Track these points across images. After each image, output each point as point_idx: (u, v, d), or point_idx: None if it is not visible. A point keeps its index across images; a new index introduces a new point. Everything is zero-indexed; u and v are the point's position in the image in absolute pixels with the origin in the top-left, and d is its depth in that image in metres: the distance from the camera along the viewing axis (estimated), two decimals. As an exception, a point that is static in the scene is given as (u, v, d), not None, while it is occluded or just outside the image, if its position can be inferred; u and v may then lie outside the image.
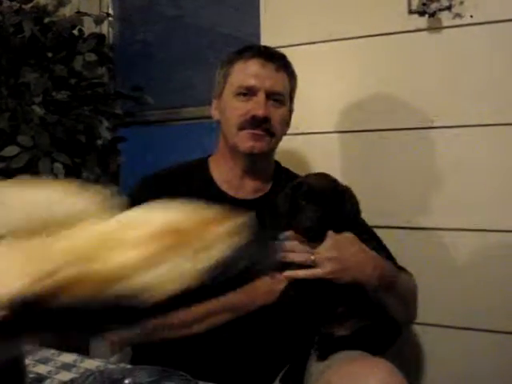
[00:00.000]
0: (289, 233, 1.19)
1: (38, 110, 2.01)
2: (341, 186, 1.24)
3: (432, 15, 1.56)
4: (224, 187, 1.37)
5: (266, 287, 1.20)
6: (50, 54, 2.10)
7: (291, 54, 1.43)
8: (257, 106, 1.29)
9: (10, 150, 1.96)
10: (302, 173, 1.38)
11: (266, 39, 1.82)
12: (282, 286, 1.18)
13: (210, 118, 1.44)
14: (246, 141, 1.31)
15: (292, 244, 1.18)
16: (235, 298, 1.20)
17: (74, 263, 0.26)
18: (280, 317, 1.23)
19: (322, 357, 1.22)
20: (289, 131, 1.44)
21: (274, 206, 1.25)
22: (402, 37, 1.64)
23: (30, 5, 2.13)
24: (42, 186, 0.35)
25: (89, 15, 2.22)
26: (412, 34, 1.63)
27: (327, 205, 1.18)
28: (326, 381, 1.13)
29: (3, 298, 0.24)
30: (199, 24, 2.31)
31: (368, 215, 1.45)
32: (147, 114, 2.38)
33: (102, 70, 2.19)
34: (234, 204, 1.49)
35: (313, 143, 1.80)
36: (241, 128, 1.31)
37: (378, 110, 1.70)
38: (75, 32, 2.18)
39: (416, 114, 1.64)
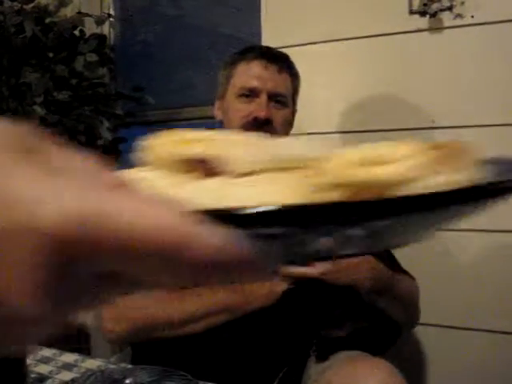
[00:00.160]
0: None
1: (39, 110, 2.01)
2: None
3: (433, 15, 1.56)
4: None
5: (264, 289, 1.19)
6: (51, 55, 2.10)
7: (292, 55, 1.43)
8: (259, 108, 1.30)
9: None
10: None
11: (267, 39, 1.83)
12: (280, 288, 1.18)
13: (211, 118, 1.44)
14: None
15: None
16: (232, 298, 1.20)
17: (347, 175, 0.26)
18: (279, 319, 1.23)
19: (321, 358, 1.23)
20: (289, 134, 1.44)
21: None
22: (403, 37, 1.64)
23: (31, 5, 2.14)
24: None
25: (90, 16, 2.22)
26: (413, 34, 1.63)
27: None
28: (326, 381, 1.13)
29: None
30: (200, 24, 2.31)
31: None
32: (148, 115, 2.38)
33: (102, 71, 2.20)
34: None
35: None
36: (243, 129, 1.31)
37: (378, 110, 1.71)
38: (76, 32, 2.18)
39: (417, 114, 1.64)
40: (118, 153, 2.26)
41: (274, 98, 1.32)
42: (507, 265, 1.54)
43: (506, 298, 1.54)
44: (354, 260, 1.18)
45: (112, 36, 2.48)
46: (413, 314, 1.37)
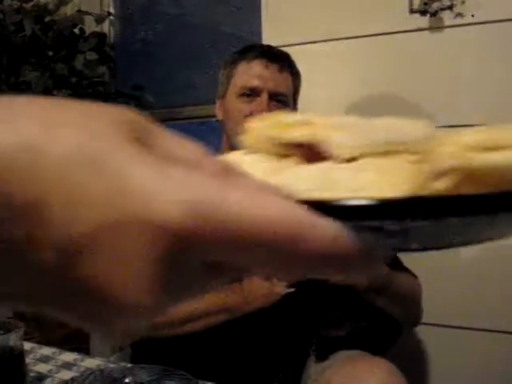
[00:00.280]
0: None
1: (39, 109, 2.01)
2: None
3: (433, 14, 1.56)
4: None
5: (264, 289, 1.19)
6: (50, 53, 2.10)
7: (292, 54, 1.43)
8: (260, 107, 1.30)
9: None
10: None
11: (268, 38, 1.82)
12: (279, 288, 1.18)
13: (211, 116, 1.44)
14: None
15: None
16: (231, 298, 1.20)
17: (462, 158, 0.24)
18: (278, 318, 1.23)
19: (321, 357, 1.23)
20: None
21: None
22: (404, 36, 1.64)
23: (30, 3, 2.13)
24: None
25: (90, 14, 2.22)
26: (413, 33, 1.62)
27: None
28: (325, 380, 1.13)
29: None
30: (200, 23, 2.31)
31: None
32: (148, 113, 2.37)
33: (102, 69, 2.19)
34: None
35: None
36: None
37: (379, 109, 1.70)
38: (76, 31, 2.18)
39: (417, 113, 1.64)
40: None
41: (275, 97, 1.32)
42: (508, 264, 1.53)
43: (507, 297, 1.54)
44: None
45: (112, 34, 2.47)
46: (414, 313, 1.36)
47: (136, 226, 0.18)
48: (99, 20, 2.23)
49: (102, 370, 1.07)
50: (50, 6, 2.20)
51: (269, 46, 1.50)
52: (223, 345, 1.23)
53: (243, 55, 1.36)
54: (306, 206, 0.20)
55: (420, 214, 0.21)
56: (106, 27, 2.42)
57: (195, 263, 0.20)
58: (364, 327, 1.25)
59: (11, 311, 2.24)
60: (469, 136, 0.26)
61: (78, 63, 2.10)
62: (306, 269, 0.20)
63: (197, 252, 0.19)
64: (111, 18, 2.43)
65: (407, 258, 1.40)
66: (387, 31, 1.66)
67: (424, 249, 0.29)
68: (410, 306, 1.33)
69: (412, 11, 1.59)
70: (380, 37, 1.68)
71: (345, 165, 0.28)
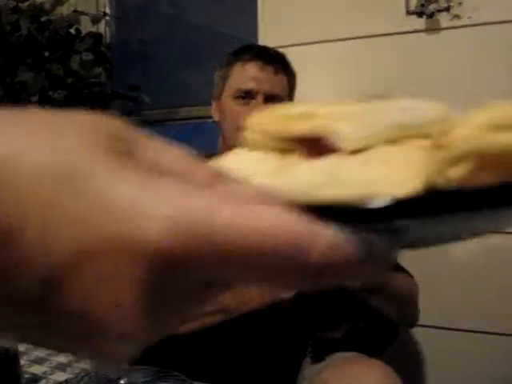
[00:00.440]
0: None
1: (35, 109, 2.00)
2: None
3: (430, 16, 1.56)
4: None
5: (260, 289, 1.19)
6: (46, 53, 2.09)
7: (288, 55, 1.43)
8: (255, 110, 1.29)
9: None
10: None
11: (264, 39, 1.82)
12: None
13: (208, 117, 1.44)
14: None
15: None
16: (227, 299, 1.20)
17: (479, 141, 0.23)
18: (274, 320, 1.22)
19: (317, 359, 1.22)
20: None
21: None
22: (400, 38, 1.64)
23: (26, 3, 2.13)
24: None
25: (86, 14, 2.21)
26: (410, 35, 1.63)
27: None
28: (322, 382, 1.13)
29: (412, 190, 0.21)
30: (197, 23, 2.31)
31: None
32: (144, 114, 2.37)
33: (98, 70, 2.19)
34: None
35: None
36: (240, 132, 1.31)
37: (375, 110, 1.70)
38: (72, 31, 2.17)
39: (413, 115, 1.64)
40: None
41: (271, 99, 1.32)
42: (505, 267, 1.54)
43: (504, 299, 1.54)
44: None
45: (108, 35, 2.47)
46: (411, 313, 1.36)
47: (116, 247, 0.17)
48: (95, 20, 2.23)
49: (96, 372, 1.07)
50: (46, 6, 2.20)
51: (264, 47, 1.50)
52: (219, 345, 1.23)
53: (238, 56, 1.36)
54: (305, 213, 0.18)
55: (433, 212, 0.20)
56: (102, 27, 2.41)
57: (184, 283, 0.19)
58: (360, 328, 1.25)
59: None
60: (482, 115, 0.24)
61: (74, 64, 2.10)
62: (306, 280, 0.19)
63: (184, 271, 0.18)
64: (107, 18, 2.42)
65: (404, 259, 1.39)
66: (384, 33, 1.66)
67: (426, 246, 0.28)
68: (407, 307, 1.33)
69: (408, 13, 1.59)
70: (376, 38, 1.68)
71: (353, 157, 0.26)
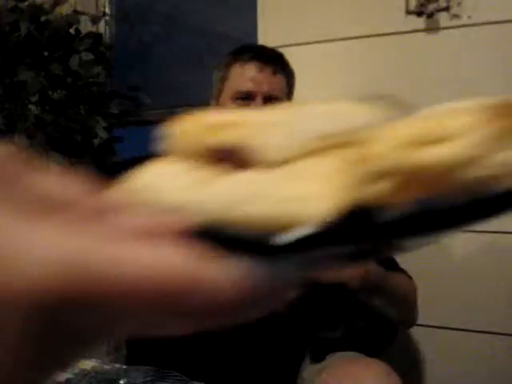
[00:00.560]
0: None
1: (34, 109, 2.00)
2: None
3: (430, 16, 1.56)
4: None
5: None
6: (46, 53, 2.09)
7: (288, 55, 1.43)
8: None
9: (6, 149, 1.95)
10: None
11: (263, 39, 1.82)
12: None
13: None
14: None
15: None
16: None
17: (398, 159, 0.22)
18: (273, 320, 1.22)
19: (316, 359, 1.22)
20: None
21: None
22: (400, 37, 1.64)
23: (26, 3, 2.13)
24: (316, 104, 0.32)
25: (85, 14, 2.21)
26: (410, 34, 1.62)
27: None
28: (322, 382, 1.13)
29: (331, 208, 0.21)
30: (196, 23, 2.31)
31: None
32: (144, 114, 2.37)
33: (98, 69, 2.19)
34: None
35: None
36: None
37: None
38: (72, 31, 2.17)
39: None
40: (113, 152, 2.25)
41: (270, 100, 1.32)
42: (505, 266, 1.54)
43: (504, 299, 1.54)
44: None
45: (108, 35, 2.47)
46: (410, 313, 1.36)
47: None
48: (95, 20, 2.23)
49: (96, 372, 1.07)
50: (46, 6, 2.20)
51: (262, 47, 1.50)
52: (218, 346, 1.23)
53: (236, 57, 1.36)
54: (198, 245, 0.17)
55: (344, 243, 0.20)
56: (101, 27, 2.41)
57: (65, 328, 0.17)
58: (360, 328, 1.25)
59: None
60: (404, 129, 0.24)
61: (74, 63, 2.10)
62: (203, 320, 0.18)
63: (66, 318, 0.17)
64: (107, 18, 2.42)
65: (403, 260, 1.40)
66: (383, 32, 1.66)
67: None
68: (406, 307, 1.33)
69: (408, 12, 1.59)
70: (376, 38, 1.68)
71: (275, 171, 0.25)
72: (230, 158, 0.27)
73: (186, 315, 0.18)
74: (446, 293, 1.61)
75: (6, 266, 0.16)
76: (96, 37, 2.21)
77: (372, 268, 1.23)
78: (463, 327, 1.60)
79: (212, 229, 0.18)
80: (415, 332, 1.66)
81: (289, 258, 0.20)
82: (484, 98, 0.26)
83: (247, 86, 1.32)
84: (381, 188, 0.22)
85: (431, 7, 1.54)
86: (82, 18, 2.20)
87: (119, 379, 1.00)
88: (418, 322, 1.40)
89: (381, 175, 0.22)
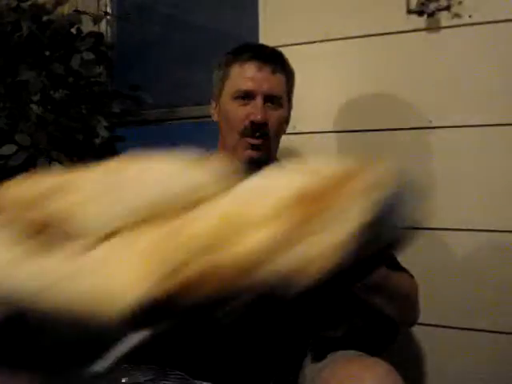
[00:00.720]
0: None
1: (36, 109, 2.01)
2: None
3: (431, 15, 1.56)
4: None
5: None
6: (47, 53, 2.09)
7: (289, 53, 1.43)
8: (255, 111, 1.31)
9: (8, 149, 1.95)
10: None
11: (265, 38, 1.82)
12: None
13: (209, 116, 1.44)
14: (244, 150, 1.32)
15: None
16: None
17: (201, 254, 0.22)
18: (275, 319, 1.22)
19: (317, 358, 1.22)
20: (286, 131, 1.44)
21: None
22: (401, 36, 1.64)
23: (27, 3, 2.13)
24: (156, 161, 0.31)
25: (87, 14, 2.21)
26: (410, 33, 1.62)
27: None
28: (323, 380, 1.13)
29: (132, 301, 0.21)
30: (198, 23, 2.31)
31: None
32: (145, 113, 2.37)
33: (99, 69, 2.19)
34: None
35: (310, 143, 1.80)
36: (242, 136, 1.32)
37: (376, 110, 1.70)
38: (73, 30, 2.17)
39: (414, 114, 1.64)
40: (114, 152, 2.25)
41: (270, 99, 1.33)
42: (505, 265, 1.54)
43: (504, 298, 1.54)
44: None
45: (109, 34, 2.47)
46: (411, 312, 1.36)
47: None
48: (96, 20, 2.23)
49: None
50: (48, 6, 2.20)
51: (261, 47, 1.50)
52: (219, 344, 1.23)
53: (236, 57, 1.36)
54: None
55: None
56: (103, 27, 2.42)
57: None
58: (361, 327, 1.25)
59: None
60: (216, 208, 0.24)
61: (75, 63, 2.10)
62: None
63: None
64: (108, 17, 2.42)
65: (405, 257, 1.40)
66: (384, 31, 1.66)
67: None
68: (407, 306, 1.33)
69: (409, 11, 1.59)
70: (377, 37, 1.68)
71: (91, 251, 0.24)
72: (50, 230, 0.26)
73: None
74: (446, 291, 1.61)
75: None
76: (97, 36, 2.21)
77: None
78: (465, 326, 1.60)
79: (21, 312, 0.18)
80: (417, 331, 1.66)
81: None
82: (292, 183, 0.26)
83: (247, 85, 1.32)
84: (182, 279, 0.22)
85: (432, 6, 1.54)
86: (84, 18, 2.20)
87: (121, 378, 1.00)
88: (420, 320, 1.40)
89: (181, 267, 0.22)
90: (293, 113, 1.44)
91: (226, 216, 0.23)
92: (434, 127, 1.61)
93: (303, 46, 1.78)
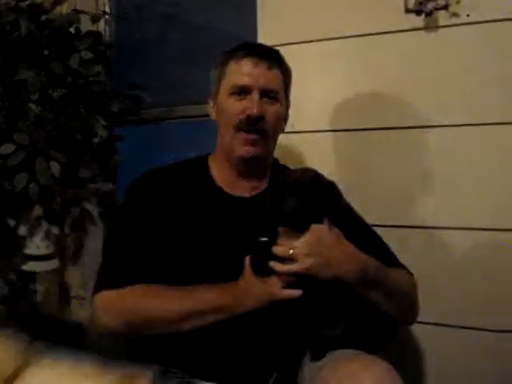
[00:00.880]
0: (281, 228, 1.19)
1: (35, 108, 2.01)
2: (323, 180, 1.23)
3: (429, 14, 1.56)
4: (222, 185, 1.38)
5: (258, 290, 1.19)
6: (46, 52, 2.09)
7: (287, 53, 1.43)
8: (251, 105, 1.30)
9: (6, 148, 1.96)
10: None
11: (263, 37, 1.82)
12: (273, 288, 1.18)
13: (207, 115, 1.44)
14: (240, 146, 1.32)
15: (282, 239, 1.18)
16: (223, 299, 1.20)
17: None
18: (273, 318, 1.23)
19: (316, 357, 1.23)
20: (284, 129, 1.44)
21: (262, 202, 1.26)
22: (399, 36, 1.64)
23: (26, 2, 2.13)
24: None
25: (85, 13, 2.21)
26: (408, 33, 1.63)
27: (308, 196, 1.17)
28: (322, 379, 1.13)
29: None
30: (196, 22, 2.31)
31: (361, 213, 1.46)
32: (144, 112, 2.38)
33: (98, 68, 2.19)
34: (231, 202, 1.48)
35: (308, 142, 1.80)
36: (237, 130, 1.31)
37: (374, 108, 1.71)
38: (72, 30, 2.18)
39: (412, 113, 1.64)
40: (113, 151, 2.25)
41: (266, 94, 1.32)
42: (505, 264, 1.54)
43: (504, 296, 1.54)
44: (337, 254, 1.18)
45: (108, 33, 2.47)
46: (410, 310, 1.36)
47: None
48: (95, 19, 2.23)
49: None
50: (46, 5, 2.20)
51: (258, 44, 1.50)
52: (219, 343, 1.23)
53: (232, 54, 1.36)
54: None
55: None
56: (101, 26, 2.42)
57: None
58: (360, 326, 1.25)
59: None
60: None
61: (74, 62, 2.10)
62: None
63: None
64: (107, 17, 2.43)
65: (404, 256, 1.40)
66: (382, 31, 1.66)
67: None
68: (406, 303, 1.33)
69: (407, 11, 1.59)
70: (375, 36, 1.68)
71: None
72: None
73: None
74: (446, 290, 1.62)
75: None
76: (96, 36, 2.22)
77: (368, 263, 1.23)
78: (464, 324, 1.60)
79: None
80: (416, 329, 1.67)
81: None
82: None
83: (243, 80, 1.32)
84: None
85: (430, 6, 1.55)
86: (82, 17, 2.20)
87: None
88: (419, 319, 1.40)
89: None
90: (291, 112, 1.44)
91: None
92: (432, 126, 1.62)
93: (301, 45, 1.78)
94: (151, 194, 1.35)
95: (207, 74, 1.43)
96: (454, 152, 1.60)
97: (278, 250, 1.17)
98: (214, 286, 1.21)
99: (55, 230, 2.30)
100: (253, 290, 1.19)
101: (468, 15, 1.54)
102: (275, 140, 1.40)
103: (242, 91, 1.32)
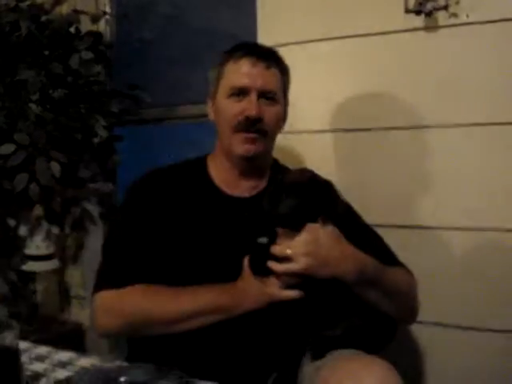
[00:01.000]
0: (280, 229, 1.19)
1: (35, 108, 2.01)
2: (320, 179, 1.23)
3: (428, 14, 1.56)
4: (221, 185, 1.38)
5: (256, 290, 1.19)
6: (46, 52, 2.10)
7: (287, 53, 1.43)
8: (250, 107, 1.30)
9: (7, 148, 1.96)
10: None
11: (263, 37, 1.82)
12: (272, 289, 1.18)
13: (206, 116, 1.44)
14: (240, 145, 1.31)
15: (280, 239, 1.18)
16: (221, 300, 1.20)
17: None
18: (273, 318, 1.23)
19: (316, 356, 1.23)
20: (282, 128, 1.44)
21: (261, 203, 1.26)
22: (399, 36, 1.64)
23: (26, 2, 2.13)
24: None
25: (86, 13, 2.22)
26: (408, 33, 1.63)
27: (305, 196, 1.17)
28: (322, 379, 1.13)
29: None
30: (196, 22, 2.31)
31: (361, 213, 1.46)
32: (143, 113, 2.38)
33: (98, 68, 2.19)
34: (230, 202, 1.48)
35: (307, 141, 1.80)
36: (235, 130, 1.31)
37: (373, 109, 1.71)
38: (72, 30, 2.18)
39: (412, 113, 1.64)
40: (113, 151, 2.25)
41: (264, 95, 1.32)
42: (505, 264, 1.54)
43: (504, 296, 1.54)
44: (336, 253, 1.18)
45: (108, 33, 2.47)
46: (410, 309, 1.36)
47: None
48: (95, 19, 2.23)
49: (97, 369, 1.07)
50: (46, 6, 2.20)
51: (255, 44, 1.50)
52: (218, 343, 1.23)
53: (230, 55, 1.36)
54: None
55: None
56: (101, 26, 2.42)
57: None
58: (359, 326, 1.25)
59: (7, 311, 2.23)
60: None
61: (74, 62, 2.10)
62: None
63: None
64: (107, 17, 2.43)
65: (404, 256, 1.40)
66: (382, 31, 1.66)
67: None
68: (405, 302, 1.33)
69: (407, 11, 1.59)
70: (375, 36, 1.68)
71: None
72: None
73: None
74: (446, 290, 1.62)
75: None
76: (96, 36, 2.22)
77: (367, 262, 1.23)
78: (464, 325, 1.60)
79: None
80: (416, 329, 1.67)
81: None
82: None
83: (241, 81, 1.32)
84: None
85: (430, 6, 1.55)
86: (82, 17, 2.20)
87: (120, 377, 1.01)
88: (419, 318, 1.40)
89: None
90: (290, 111, 1.44)
91: None
92: (431, 126, 1.62)
93: (301, 45, 1.78)
94: (151, 195, 1.35)
95: (207, 73, 1.43)
96: (454, 152, 1.60)
97: (275, 249, 1.17)
98: (213, 286, 1.21)
99: (55, 230, 2.30)
100: (252, 290, 1.19)
101: (468, 16, 1.54)
102: (274, 139, 1.39)
103: (241, 92, 1.32)
